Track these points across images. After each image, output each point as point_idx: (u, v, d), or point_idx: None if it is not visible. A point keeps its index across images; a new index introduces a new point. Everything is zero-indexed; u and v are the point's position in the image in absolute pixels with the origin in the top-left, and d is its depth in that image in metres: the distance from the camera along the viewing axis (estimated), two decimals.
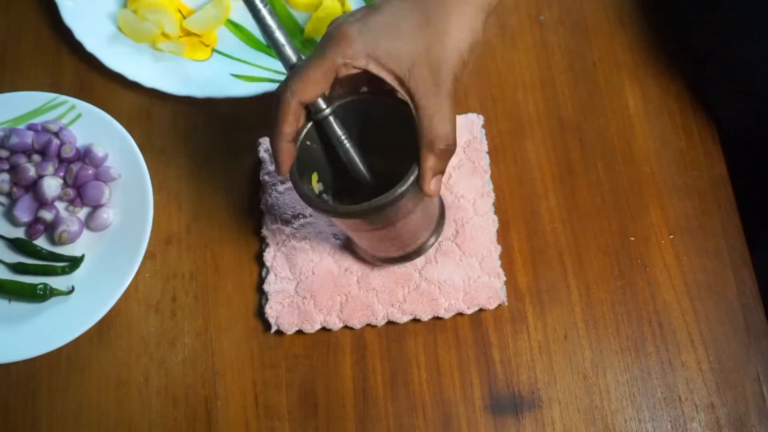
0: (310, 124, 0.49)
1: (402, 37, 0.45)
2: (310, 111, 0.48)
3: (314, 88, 0.45)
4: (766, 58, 0.57)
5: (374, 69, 0.45)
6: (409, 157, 0.46)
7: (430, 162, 0.45)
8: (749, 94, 0.61)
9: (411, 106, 0.46)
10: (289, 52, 0.47)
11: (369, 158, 0.51)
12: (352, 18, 0.46)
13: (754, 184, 0.64)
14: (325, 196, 0.52)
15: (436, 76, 0.44)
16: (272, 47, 0.47)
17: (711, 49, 0.64)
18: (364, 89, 0.50)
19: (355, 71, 0.46)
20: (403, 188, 0.45)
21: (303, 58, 0.47)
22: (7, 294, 0.59)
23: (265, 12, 0.46)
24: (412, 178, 0.46)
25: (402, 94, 0.46)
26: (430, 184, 0.46)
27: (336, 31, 0.45)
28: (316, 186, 0.52)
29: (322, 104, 0.47)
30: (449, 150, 0.46)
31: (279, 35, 0.47)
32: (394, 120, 0.48)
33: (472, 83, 0.66)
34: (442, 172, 0.47)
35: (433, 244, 0.57)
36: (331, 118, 0.48)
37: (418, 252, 0.57)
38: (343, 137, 0.49)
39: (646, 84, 0.65)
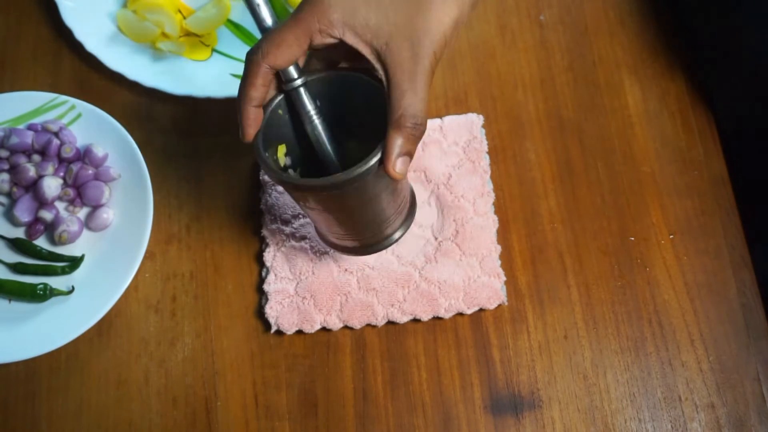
0: (280, 96, 0.46)
1: (383, 8, 0.42)
2: (282, 80, 0.45)
3: (286, 52, 0.43)
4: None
5: (350, 40, 0.42)
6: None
7: (396, 141, 0.42)
8: (752, 81, 0.60)
9: (384, 81, 0.43)
10: (264, 13, 0.44)
11: (342, 140, 0.48)
12: None
13: (754, 184, 0.64)
14: (291, 171, 0.49)
15: (414, 51, 0.42)
16: (247, 6, 0.45)
17: (713, 37, 0.64)
18: (343, 65, 0.47)
19: (330, 41, 0.43)
20: (364, 168, 0.42)
21: (279, 22, 0.45)
22: (7, 294, 0.59)
23: None
24: (375, 158, 0.42)
25: (378, 69, 0.43)
26: (395, 165, 0.42)
27: None
28: (283, 158, 0.49)
29: (294, 73, 0.45)
30: (418, 129, 0.42)
31: None
32: (371, 101, 0.45)
33: (472, 83, 0.66)
34: (410, 155, 0.43)
35: (398, 239, 0.52)
36: (302, 90, 0.46)
37: (379, 245, 0.52)
38: (312, 113, 0.47)
39: (646, 84, 0.65)
